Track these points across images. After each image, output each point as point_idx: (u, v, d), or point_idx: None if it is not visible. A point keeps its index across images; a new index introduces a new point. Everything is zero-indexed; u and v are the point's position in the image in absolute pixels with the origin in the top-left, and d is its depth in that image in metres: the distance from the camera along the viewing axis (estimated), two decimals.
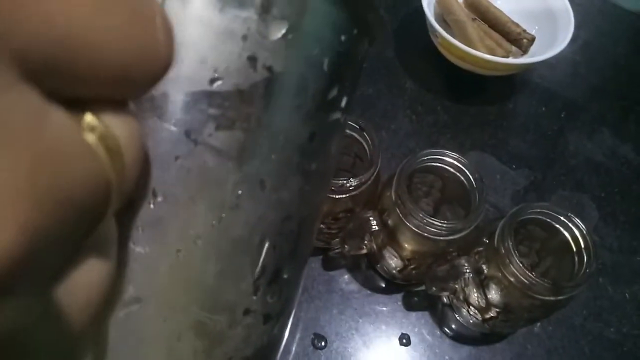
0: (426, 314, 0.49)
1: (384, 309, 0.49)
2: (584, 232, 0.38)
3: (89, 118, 0.10)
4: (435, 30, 0.58)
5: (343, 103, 0.18)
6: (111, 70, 0.10)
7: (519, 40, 0.61)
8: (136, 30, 0.10)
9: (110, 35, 0.09)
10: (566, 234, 0.39)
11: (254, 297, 0.16)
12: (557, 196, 0.57)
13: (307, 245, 0.19)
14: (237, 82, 0.15)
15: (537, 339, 0.48)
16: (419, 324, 0.48)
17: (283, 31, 0.15)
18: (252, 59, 0.15)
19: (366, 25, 0.18)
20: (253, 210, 0.15)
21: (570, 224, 0.38)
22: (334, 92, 0.17)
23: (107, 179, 0.10)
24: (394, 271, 0.46)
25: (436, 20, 0.59)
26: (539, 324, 0.49)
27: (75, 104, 0.10)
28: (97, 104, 0.10)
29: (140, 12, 0.10)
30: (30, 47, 0.08)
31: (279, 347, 0.19)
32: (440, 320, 0.48)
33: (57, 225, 0.09)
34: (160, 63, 0.11)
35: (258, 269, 0.16)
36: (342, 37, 0.17)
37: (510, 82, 0.66)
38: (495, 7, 0.64)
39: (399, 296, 0.49)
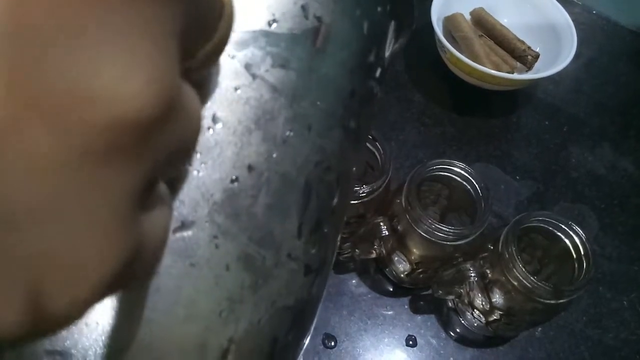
0: (432, 317, 0.51)
1: (392, 311, 0.51)
2: (584, 239, 0.40)
3: None
4: (443, 46, 0.61)
5: (378, 73, 0.20)
6: None
7: (524, 57, 0.64)
8: None
9: None
10: (567, 241, 0.41)
11: (298, 242, 0.17)
12: (559, 207, 0.59)
13: (342, 206, 0.20)
14: (291, 26, 0.17)
15: (539, 343, 0.50)
16: (425, 326, 0.50)
17: None
18: (304, 8, 0.17)
19: (393, 7, 0.21)
20: (300, 150, 0.17)
21: (570, 232, 0.41)
22: (371, 58, 0.19)
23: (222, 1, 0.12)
24: (402, 275, 0.49)
25: (444, 36, 0.61)
26: (540, 328, 0.51)
27: None
28: None
29: None
30: None
31: (315, 309, 0.20)
32: (445, 323, 0.50)
33: None
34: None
35: (303, 211, 0.17)
36: (379, 8, 0.19)
37: (515, 97, 0.68)
38: (502, 25, 0.67)
39: (406, 299, 0.51)
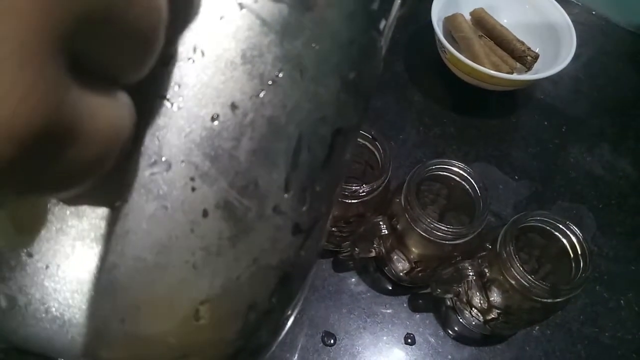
0: (430, 315, 0.51)
1: (391, 310, 0.51)
2: (581, 239, 0.40)
3: None
4: (443, 46, 0.61)
5: (381, 25, 0.18)
6: None
7: (523, 58, 0.64)
8: None
9: None
10: (564, 241, 0.41)
11: (285, 196, 0.15)
12: (557, 207, 0.60)
13: (338, 169, 0.18)
14: None
15: (536, 342, 0.51)
16: (423, 324, 0.51)
17: None
18: None
19: None
20: (290, 94, 0.15)
21: (568, 232, 0.41)
22: (374, 5, 0.17)
23: (159, 11, 0.11)
24: (401, 274, 0.49)
25: (444, 36, 0.62)
26: (537, 327, 0.51)
27: None
28: None
29: None
30: None
31: (304, 278, 0.18)
32: (443, 321, 0.51)
33: None
34: None
35: (291, 162, 0.15)
36: None
37: (514, 97, 0.69)
38: (502, 25, 0.67)
39: (405, 298, 0.52)
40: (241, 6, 0.14)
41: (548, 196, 0.60)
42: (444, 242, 0.42)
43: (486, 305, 0.45)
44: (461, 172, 0.43)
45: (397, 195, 0.44)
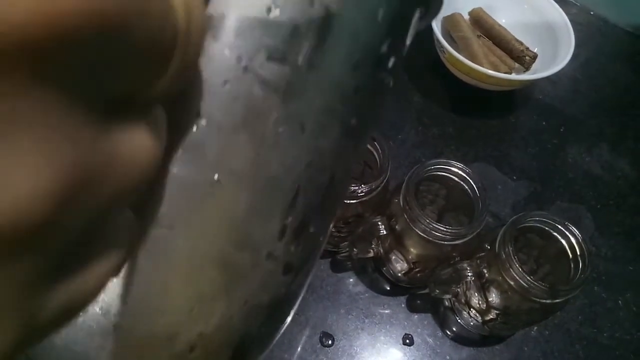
0: (429, 316, 0.51)
1: (389, 310, 0.51)
2: (580, 239, 0.40)
3: None
4: (442, 46, 0.61)
5: (390, 63, 0.18)
6: None
7: (522, 57, 0.64)
8: None
9: None
10: (563, 241, 0.41)
11: (279, 242, 0.16)
12: (556, 207, 0.60)
13: (334, 205, 0.19)
14: (294, 15, 0.15)
15: (534, 342, 0.51)
16: (421, 325, 0.50)
17: None
18: None
19: None
20: (290, 152, 0.16)
21: (567, 232, 0.41)
22: (384, 48, 0.17)
23: (176, 25, 0.11)
24: (400, 274, 0.49)
25: (443, 36, 0.62)
26: (536, 327, 0.51)
27: None
28: None
29: None
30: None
31: (294, 304, 0.19)
32: (442, 322, 0.51)
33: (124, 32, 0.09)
34: None
35: (287, 212, 0.16)
36: None
37: (513, 97, 0.68)
38: (500, 25, 0.67)
39: (403, 298, 0.52)
40: (246, 70, 0.15)
41: (547, 196, 0.60)
42: (442, 242, 0.42)
43: (485, 305, 0.45)
44: (460, 172, 0.43)
45: (395, 196, 0.44)
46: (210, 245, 0.15)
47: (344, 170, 0.18)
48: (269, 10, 0.15)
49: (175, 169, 0.15)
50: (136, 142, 0.11)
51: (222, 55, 0.15)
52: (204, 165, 0.15)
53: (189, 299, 0.15)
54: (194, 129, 0.15)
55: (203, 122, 0.15)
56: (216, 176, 0.15)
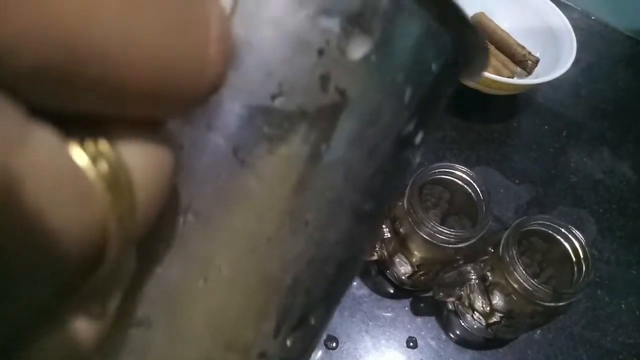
0: (432, 319, 0.51)
1: (393, 313, 0.51)
2: (583, 243, 0.41)
3: (91, 144, 0.08)
4: None
5: (418, 139, 0.15)
6: (134, 85, 0.08)
7: (524, 62, 0.65)
8: (176, 36, 0.08)
9: (139, 39, 0.07)
10: (566, 245, 0.42)
11: (274, 340, 0.14)
12: (558, 211, 0.60)
13: (342, 291, 0.17)
14: (302, 102, 0.13)
15: (538, 346, 0.51)
16: (425, 328, 0.51)
17: (366, 50, 0.13)
18: (325, 78, 0.13)
19: (464, 51, 0.15)
20: (291, 247, 0.14)
21: (570, 236, 0.41)
22: (410, 127, 0.15)
23: (103, 224, 0.08)
24: (404, 277, 0.49)
25: None
26: (539, 331, 0.51)
27: (88, 125, 0.08)
28: (115, 126, 0.08)
29: (187, 13, 0.08)
30: (15, 46, 0.06)
31: None
32: (445, 325, 0.51)
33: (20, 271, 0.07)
34: (204, 82, 0.09)
35: (284, 311, 0.14)
36: (433, 66, 0.14)
37: (515, 102, 0.69)
38: (502, 30, 0.67)
39: (407, 302, 0.52)
40: (243, 163, 0.13)
41: (549, 200, 0.60)
42: (446, 245, 0.42)
43: (488, 308, 0.45)
44: (464, 175, 0.44)
45: (399, 199, 0.44)
46: (194, 347, 0.13)
47: (354, 255, 0.16)
48: (273, 97, 0.13)
49: (157, 266, 0.13)
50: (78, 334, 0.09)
51: (216, 146, 0.13)
52: (190, 262, 0.13)
53: None
54: (181, 223, 0.13)
55: (190, 217, 0.13)
56: (205, 274, 0.13)
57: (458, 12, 0.13)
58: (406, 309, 0.51)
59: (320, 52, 0.13)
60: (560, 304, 0.39)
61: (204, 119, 0.13)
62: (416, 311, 0.51)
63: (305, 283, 0.14)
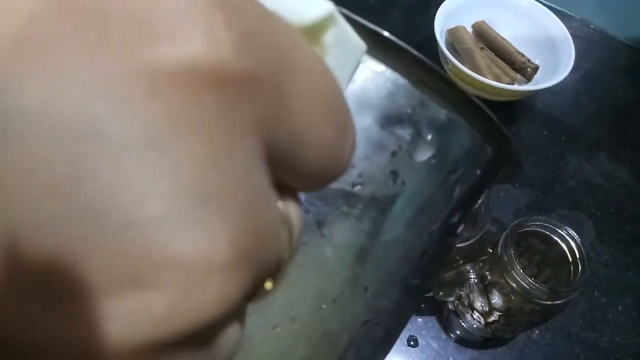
0: (432, 318, 0.52)
1: None
2: (579, 243, 0.42)
3: (280, 204, 0.11)
4: (446, 58, 0.63)
5: (459, 229, 0.19)
6: (314, 167, 0.11)
7: (524, 69, 0.66)
8: (340, 137, 0.11)
9: (326, 137, 0.10)
10: (563, 245, 0.43)
11: None
12: (557, 214, 0.61)
13: (386, 353, 0.19)
14: (375, 190, 0.16)
15: (536, 345, 0.52)
16: (425, 327, 0.52)
17: (429, 155, 0.16)
18: (394, 173, 0.16)
19: (500, 159, 0.19)
20: (350, 310, 0.16)
21: (566, 236, 0.42)
22: (455, 219, 0.18)
23: (281, 256, 0.11)
24: None
25: (447, 48, 0.63)
26: (537, 331, 0.52)
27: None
28: (285, 191, 0.11)
29: (345, 121, 0.11)
30: (275, 135, 0.09)
31: None
32: (445, 325, 0.52)
33: (246, 293, 0.09)
34: (342, 167, 0.11)
35: None
36: (478, 171, 0.18)
37: (515, 108, 0.70)
38: (502, 38, 0.69)
39: None
40: (322, 235, 0.16)
41: (548, 204, 0.62)
42: None
43: (487, 307, 0.46)
44: None
45: None
46: None
47: (399, 323, 0.19)
48: (353, 185, 0.16)
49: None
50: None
51: (304, 219, 0.15)
52: (268, 312, 0.15)
53: None
54: None
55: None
56: (277, 324, 0.15)
57: (499, 130, 0.19)
58: None
59: (393, 154, 0.16)
60: (557, 302, 0.40)
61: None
62: (417, 311, 0.52)
63: (357, 342, 0.17)
